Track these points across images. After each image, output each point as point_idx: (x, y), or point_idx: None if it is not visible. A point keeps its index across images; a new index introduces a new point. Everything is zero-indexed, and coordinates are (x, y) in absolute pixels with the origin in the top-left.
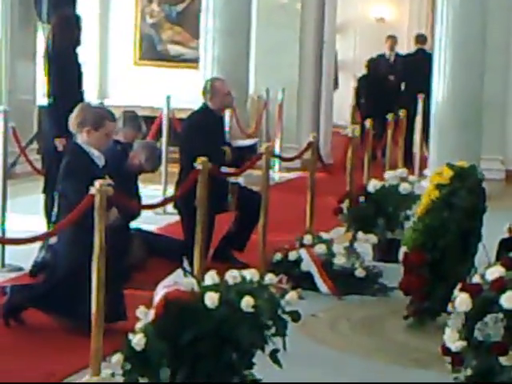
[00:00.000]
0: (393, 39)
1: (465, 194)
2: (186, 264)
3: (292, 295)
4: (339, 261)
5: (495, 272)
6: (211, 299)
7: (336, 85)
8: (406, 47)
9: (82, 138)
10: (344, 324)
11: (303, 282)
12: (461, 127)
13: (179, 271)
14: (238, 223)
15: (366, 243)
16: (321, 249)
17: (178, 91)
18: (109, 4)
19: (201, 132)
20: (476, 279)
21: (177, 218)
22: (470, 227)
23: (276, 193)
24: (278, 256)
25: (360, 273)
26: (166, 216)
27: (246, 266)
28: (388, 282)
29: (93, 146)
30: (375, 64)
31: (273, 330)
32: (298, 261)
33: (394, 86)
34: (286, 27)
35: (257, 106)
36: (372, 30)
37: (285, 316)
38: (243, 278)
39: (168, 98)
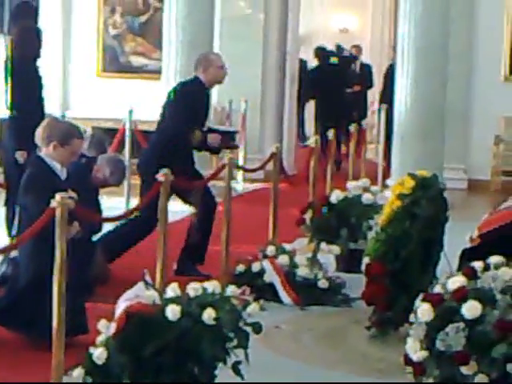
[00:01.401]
0: (357, 48)
1: (426, 204)
2: (147, 277)
3: (254, 307)
4: (302, 272)
5: (456, 282)
6: (173, 312)
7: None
8: (369, 57)
9: (46, 152)
10: (307, 335)
11: (266, 293)
12: (423, 136)
13: (141, 284)
14: (193, 232)
15: (329, 254)
16: (284, 260)
17: (141, 103)
18: (71, 15)
19: (188, 104)
20: (438, 289)
21: None
22: (431, 237)
23: (239, 204)
24: (241, 267)
25: (323, 284)
26: None
27: (208, 278)
28: (351, 293)
29: (56, 160)
30: (326, 54)
31: (235, 342)
32: (261, 272)
33: (359, 95)
34: (249, 38)
35: (220, 117)
36: (335, 40)
37: (247, 328)
38: (205, 290)
39: (130, 110)
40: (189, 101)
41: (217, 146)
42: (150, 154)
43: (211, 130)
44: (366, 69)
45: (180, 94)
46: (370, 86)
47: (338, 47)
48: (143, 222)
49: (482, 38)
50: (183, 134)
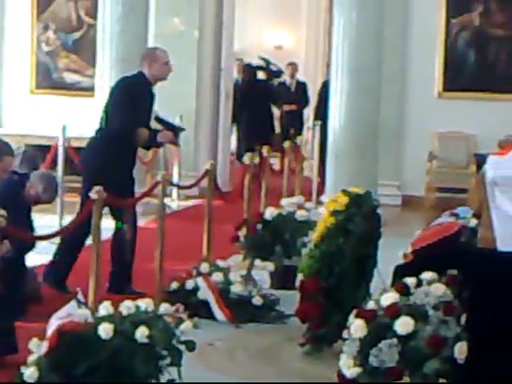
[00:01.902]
0: (293, 66)
1: (360, 221)
2: (80, 295)
3: (187, 324)
4: (236, 289)
5: (389, 298)
6: (105, 330)
7: None
8: (303, 73)
9: None
10: (241, 352)
11: (200, 310)
12: (357, 154)
13: (73, 302)
14: (126, 250)
15: (263, 270)
16: (218, 277)
17: (74, 119)
18: (3, 31)
19: (131, 96)
20: (371, 305)
21: None
22: (365, 253)
23: (173, 221)
24: (175, 285)
25: (257, 300)
26: None
27: (142, 296)
28: (285, 310)
29: None
30: (253, 71)
31: (168, 360)
32: (195, 289)
33: (295, 112)
34: (183, 55)
35: None
36: (270, 57)
37: (180, 345)
38: (138, 308)
39: (64, 127)
40: (132, 93)
41: (165, 141)
42: (94, 151)
43: (158, 119)
44: (302, 87)
45: (123, 86)
46: (306, 103)
47: (267, 62)
48: (74, 237)
49: (415, 54)
50: (129, 131)
